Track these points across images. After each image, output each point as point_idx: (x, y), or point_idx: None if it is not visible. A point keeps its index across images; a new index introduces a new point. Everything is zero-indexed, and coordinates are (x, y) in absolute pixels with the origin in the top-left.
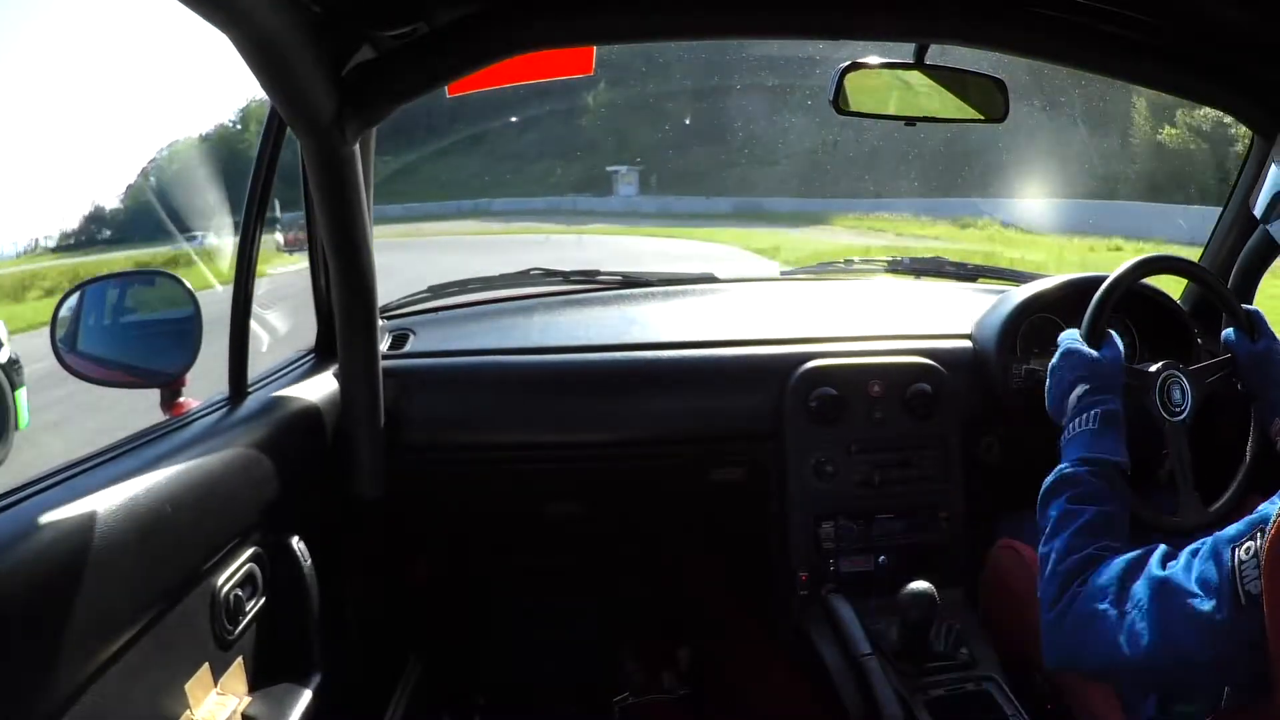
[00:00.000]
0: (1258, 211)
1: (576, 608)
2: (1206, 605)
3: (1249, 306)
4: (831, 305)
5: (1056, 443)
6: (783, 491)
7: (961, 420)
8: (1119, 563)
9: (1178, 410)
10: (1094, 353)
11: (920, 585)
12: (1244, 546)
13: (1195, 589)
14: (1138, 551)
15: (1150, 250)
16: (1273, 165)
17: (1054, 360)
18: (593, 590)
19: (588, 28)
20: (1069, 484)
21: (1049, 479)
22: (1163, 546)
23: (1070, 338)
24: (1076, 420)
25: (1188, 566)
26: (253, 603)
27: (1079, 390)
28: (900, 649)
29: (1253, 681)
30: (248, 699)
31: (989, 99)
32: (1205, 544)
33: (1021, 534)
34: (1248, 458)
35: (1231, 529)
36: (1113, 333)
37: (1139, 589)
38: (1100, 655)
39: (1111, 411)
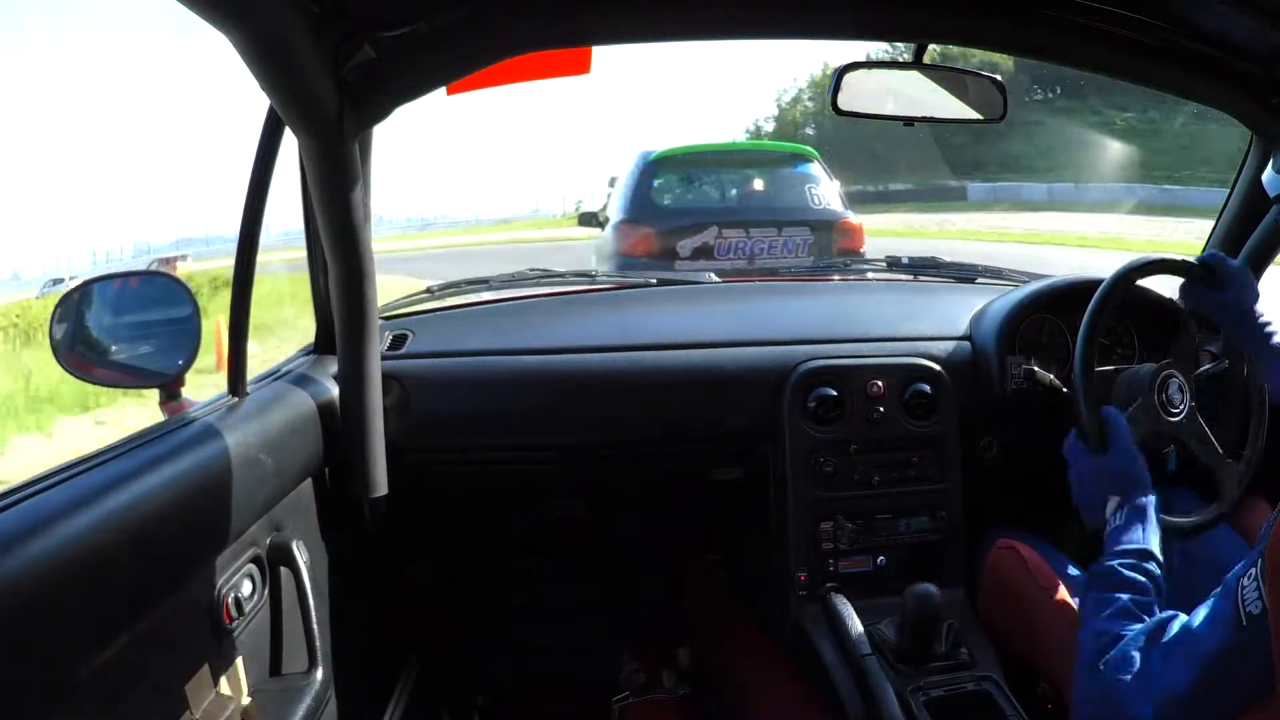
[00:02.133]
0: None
1: (576, 608)
2: (1210, 644)
3: (1210, 253)
4: (831, 305)
5: (1055, 442)
6: (782, 491)
7: (961, 420)
8: (1140, 634)
9: (1177, 410)
10: (1104, 456)
11: (925, 587)
12: (1248, 574)
13: (1205, 630)
14: (1158, 619)
15: None
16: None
17: (1070, 475)
18: (593, 590)
19: (587, 28)
20: (1098, 577)
21: (1086, 577)
22: (1182, 614)
23: (1077, 450)
24: (1110, 519)
25: (1198, 615)
26: (253, 603)
27: (1110, 505)
28: (901, 649)
29: (1255, 701)
30: (248, 699)
31: (988, 99)
32: (1224, 584)
33: (1020, 534)
34: (1249, 450)
35: (1243, 562)
36: (1113, 415)
37: (1156, 654)
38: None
39: (1136, 506)
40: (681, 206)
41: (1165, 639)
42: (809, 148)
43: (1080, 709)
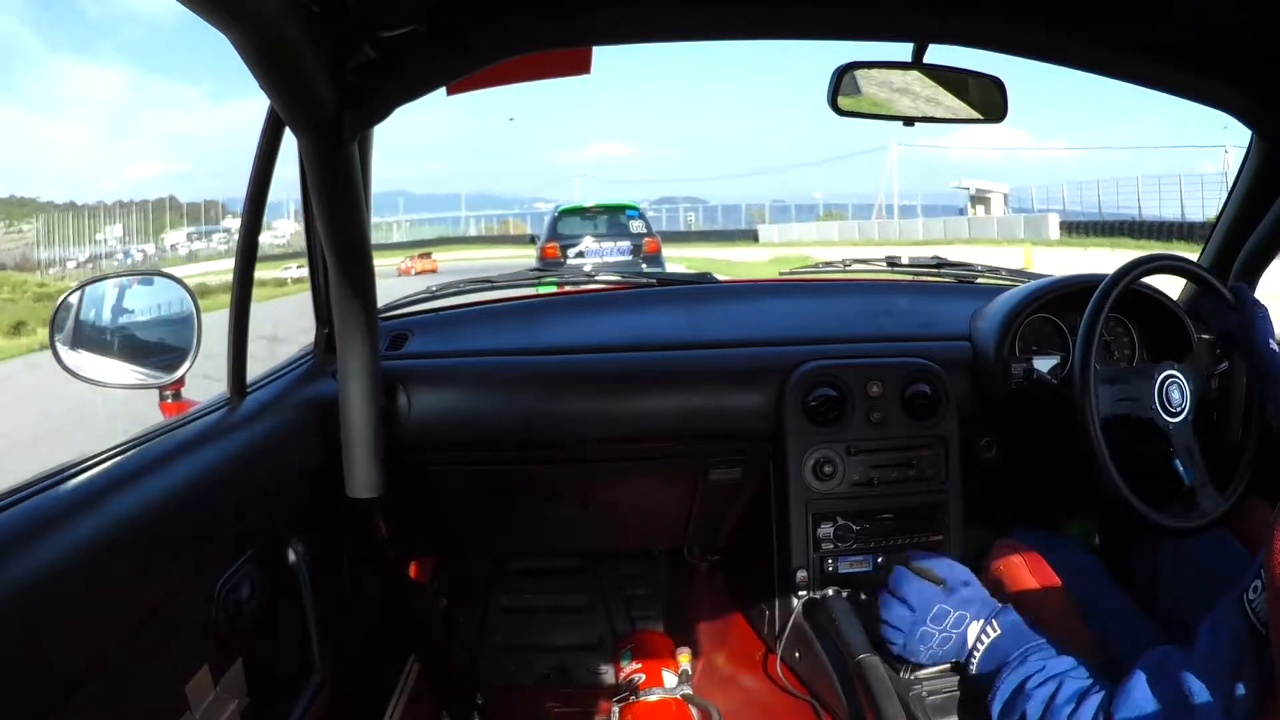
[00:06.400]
0: None
1: (576, 607)
2: (1232, 655)
3: (1235, 283)
4: (831, 305)
5: (1055, 442)
6: (782, 491)
7: (960, 420)
8: (1141, 683)
9: (1177, 410)
10: (944, 587)
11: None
12: (1252, 586)
13: (1227, 654)
14: (1144, 665)
15: None
16: None
17: (905, 617)
18: (593, 590)
19: (586, 28)
20: (1020, 685)
21: (1003, 695)
22: (1167, 647)
23: (920, 590)
24: (977, 643)
25: (1204, 643)
26: (252, 603)
27: (973, 630)
28: None
29: (1258, 699)
30: (248, 699)
31: (988, 99)
32: (1217, 612)
33: (1020, 534)
34: (1248, 453)
35: (1248, 575)
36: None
37: (1192, 684)
38: None
39: (1004, 621)
40: (571, 232)
41: (1185, 674)
42: (635, 202)
43: None
